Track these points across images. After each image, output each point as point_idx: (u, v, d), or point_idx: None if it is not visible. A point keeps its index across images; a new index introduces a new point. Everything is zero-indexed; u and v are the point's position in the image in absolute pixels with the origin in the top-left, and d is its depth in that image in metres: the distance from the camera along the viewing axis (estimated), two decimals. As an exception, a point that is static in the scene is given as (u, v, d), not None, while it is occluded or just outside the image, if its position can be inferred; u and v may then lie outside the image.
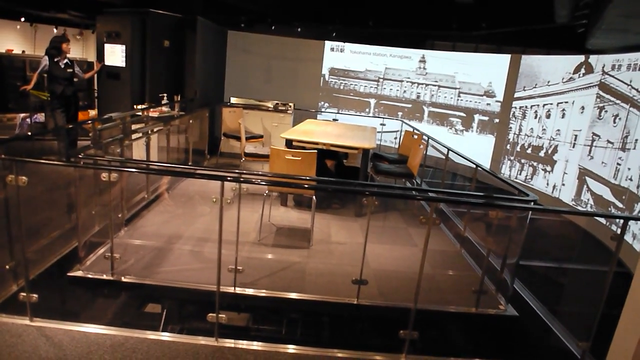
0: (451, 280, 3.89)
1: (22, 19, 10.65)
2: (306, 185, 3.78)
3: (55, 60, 6.29)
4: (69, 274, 3.32)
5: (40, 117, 8.80)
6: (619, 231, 2.77)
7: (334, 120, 8.46)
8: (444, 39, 9.21)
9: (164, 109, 6.54)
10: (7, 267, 3.11)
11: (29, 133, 8.49)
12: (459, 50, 8.79)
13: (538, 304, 3.59)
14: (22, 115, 8.88)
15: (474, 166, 4.35)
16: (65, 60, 6.39)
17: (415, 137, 5.93)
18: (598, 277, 3.93)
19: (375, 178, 5.25)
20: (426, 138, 5.61)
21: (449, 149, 5.07)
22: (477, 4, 8.19)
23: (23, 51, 10.50)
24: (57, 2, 9.25)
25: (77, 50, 11.91)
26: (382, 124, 8.43)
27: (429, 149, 5.62)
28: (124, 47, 7.07)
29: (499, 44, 8.52)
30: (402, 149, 6.30)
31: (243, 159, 5.21)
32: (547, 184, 7.04)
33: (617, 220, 5.04)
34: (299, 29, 9.38)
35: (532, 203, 3.16)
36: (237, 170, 3.57)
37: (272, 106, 8.03)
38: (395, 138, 8.79)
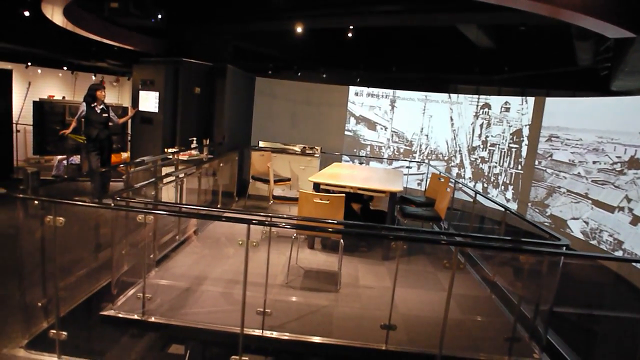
0: (482, 327, 3.80)
1: (65, 68, 11.32)
2: (331, 229, 3.81)
3: (92, 106, 6.63)
4: (101, 312, 3.39)
5: (77, 159, 9.17)
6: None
7: (360, 163, 8.57)
8: (467, 82, 9.36)
9: (193, 152, 6.76)
10: (40, 304, 3.21)
11: (65, 175, 8.84)
12: (482, 93, 8.89)
13: (572, 353, 3.47)
14: (59, 157, 9.28)
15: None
16: (102, 106, 6.72)
17: (442, 180, 5.95)
18: (633, 324, 3.80)
19: (402, 221, 5.25)
20: (453, 181, 5.62)
21: (476, 192, 5.06)
22: (499, 48, 8.36)
23: (63, 97, 11.09)
24: (97, 52, 9.83)
25: (113, 96, 12.52)
26: (409, 167, 8.48)
27: (459, 192, 5.62)
28: (157, 93, 7.41)
29: (522, 86, 8.60)
30: (429, 191, 6.31)
31: (271, 201, 5.31)
32: (578, 227, 6.89)
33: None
34: (324, 75, 9.68)
35: (565, 248, 3.12)
36: (264, 214, 3.65)
37: (299, 150, 8.20)
38: (421, 181, 8.83)
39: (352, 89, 9.57)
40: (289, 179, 7.03)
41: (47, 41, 8.92)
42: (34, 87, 10.52)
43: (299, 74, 9.67)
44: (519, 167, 8.20)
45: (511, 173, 8.35)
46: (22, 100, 9.92)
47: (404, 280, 4.46)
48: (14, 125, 8.81)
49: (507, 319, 3.79)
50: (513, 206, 8.18)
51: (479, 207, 5.45)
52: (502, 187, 8.50)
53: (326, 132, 9.41)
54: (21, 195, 3.17)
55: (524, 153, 8.13)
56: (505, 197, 8.41)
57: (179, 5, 7.41)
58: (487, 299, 4.29)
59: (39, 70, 10.88)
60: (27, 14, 7.39)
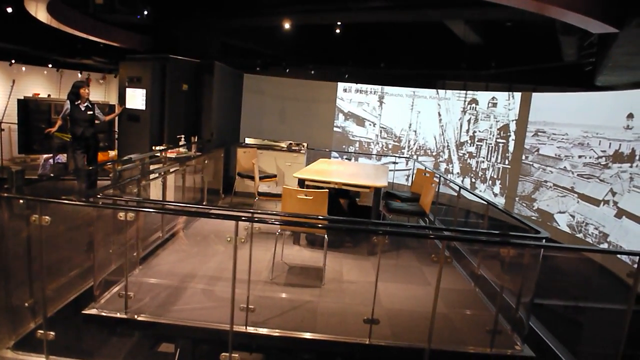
0: (465, 320, 3.83)
1: (50, 65, 11.21)
2: (319, 225, 3.82)
3: (76, 103, 6.55)
4: (83, 311, 3.37)
5: (63, 158, 9.10)
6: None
7: (347, 159, 8.59)
8: (455, 78, 9.40)
9: (181, 149, 6.73)
10: (27, 304, 3.19)
11: (51, 173, 8.77)
12: (470, 89, 8.94)
13: (556, 343, 3.51)
14: (45, 156, 9.20)
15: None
16: (86, 104, 6.63)
17: (427, 175, 5.97)
18: (618, 314, 3.85)
19: (387, 216, 5.27)
20: (438, 176, 5.65)
21: (460, 187, 5.09)
22: (486, 44, 8.40)
23: (49, 95, 10.97)
24: (83, 49, 9.74)
25: (100, 93, 12.42)
26: (395, 162, 8.51)
27: (445, 187, 5.64)
28: (144, 91, 7.36)
29: (509, 82, 8.65)
30: (415, 187, 6.34)
31: (257, 198, 5.30)
32: (563, 221, 6.95)
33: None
34: (312, 71, 9.67)
35: (544, 240, 3.15)
36: (250, 210, 3.64)
37: (285, 146, 8.19)
38: (408, 176, 8.86)
39: (341, 85, 9.58)
40: (275, 176, 7.03)
41: (31, 38, 8.83)
42: (19, 85, 10.40)
43: (287, 71, 9.66)
44: (506, 162, 8.26)
45: (499, 168, 8.41)
46: (6, 99, 9.80)
47: (388, 275, 4.48)
48: (-1, 123, 8.71)
49: (491, 312, 3.82)
50: (500, 201, 8.23)
51: (464, 202, 5.49)
52: (490, 181, 8.56)
53: (315, 129, 9.41)
54: (5, 195, 3.13)
55: (511, 148, 8.19)
56: (493, 192, 8.47)
57: (166, 1, 7.36)
58: (471, 292, 4.32)
59: (24, 68, 10.76)
60: (9, 10, 7.31)
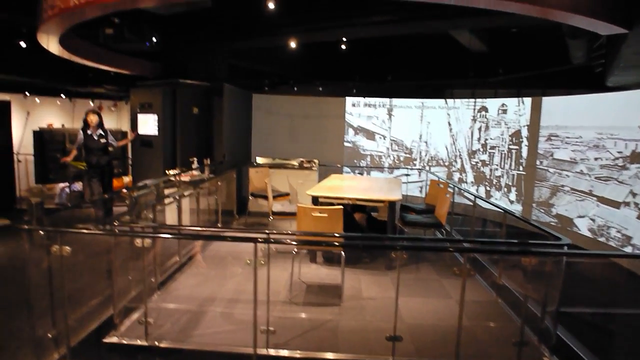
0: (490, 332, 3.75)
1: (63, 96, 11.44)
2: (336, 243, 3.79)
3: (89, 133, 6.64)
4: (104, 340, 3.37)
5: (79, 186, 9.21)
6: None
7: (359, 174, 8.57)
8: (463, 87, 9.38)
9: (195, 172, 6.77)
10: (50, 335, 3.19)
11: (67, 202, 8.88)
12: (478, 97, 8.90)
13: (587, 352, 3.41)
14: (61, 185, 9.33)
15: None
16: (99, 132, 6.73)
17: (441, 185, 5.93)
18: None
19: (403, 230, 5.22)
20: (452, 186, 5.60)
21: (475, 196, 5.04)
22: (492, 51, 8.40)
23: (62, 125, 11.18)
24: (94, 78, 9.94)
25: (112, 121, 12.61)
26: (407, 174, 8.47)
27: (459, 197, 5.59)
28: (155, 116, 7.46)
29: (518, 87, 8.61)
30: (429, 198, 6.28)
31: (271, 217, 5.30)
32: None
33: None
34: (320, 88, 9.73)
35: (566, 247, 3.09)
36: (266, 231, 3.63)
37: (297, 164, 8.21)
38: (422, 188, 8.80)
39: (349, 100, 9.60)
40: (287, 194, 7.02)
41: (44, 70, 9.04)
42: (33, 117, 10.62)
43: (295, 89, 9.74)
44: (521, 168, 8.17)
45: (513, 175, 8.32)
46: (21, 130, 10.01)
47: (408, 289, 4.42)
48: (15, 155, 8.87)
49: (516, 323, 3.73)
50: (517, 208, 8.12)
51: (480, 211, 5.42)
52: (505, 189, 8.46)
53: (325, 145, 9.42)
54: (26, 227, 3.17)
55: (524, 154, 8.10)
56: (509, 199, 8.36)
57: (173, 27, 7.49)
58: (494, 303, 4.24)
59: (37, 100, 10.99)
60: (23, 44, 7.51)
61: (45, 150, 9.46)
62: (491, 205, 4.69)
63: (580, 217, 6.98)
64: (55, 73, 9.33)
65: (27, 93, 10.64)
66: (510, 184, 8.38)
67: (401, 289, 3.20)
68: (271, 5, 5.97)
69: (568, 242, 3.10)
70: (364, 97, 9.50)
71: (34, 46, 6.94)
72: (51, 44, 6.25)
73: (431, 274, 4.92)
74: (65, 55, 6.86)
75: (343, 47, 8.18)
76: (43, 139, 9.50)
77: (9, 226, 7.08)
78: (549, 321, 3.35)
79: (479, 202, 5.07)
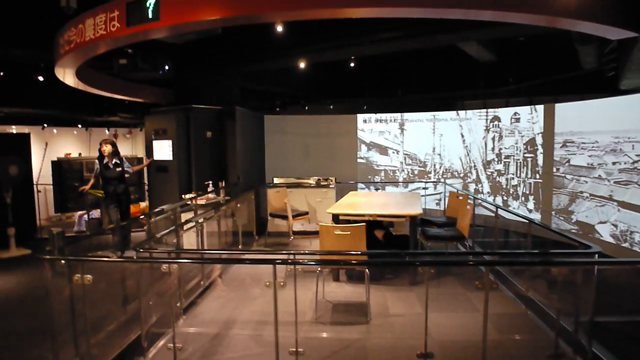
0: (522, 346, 3.68)
1: (79, 125, 11.66)
2: (361, 261, 3.77)
3: (105, 162, 6.74)
4: (134, 368, 3.36)
5: (97, 213, 9.31)
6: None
7: (376, 189, 8.55)
8: (473, 97, 9.38)
9: (210, 195, 6.81)
10: (74, 363, 3.20)
11: (85, 229, 8.97)
12: (490, 107, 8.88)
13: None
14: (79, 213, 9.43)
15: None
16: (114, 161, 6.82)
17: (461, 197, 5.89)
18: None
19: (425, 244, 5.17)
20: (472, 198, 5.56)
21: (497, 207, 4.99)
22: (501, 61, 8.41)
23: (80, 154, 11.36)
24: (109, 107, 10.13)
25: (127, 147, 12.81)
26: (424, 187, 8.44)
27: (479, 207, 5.53)
28: (170, 142, 7.55)
29: (529, 95, 8.58)
30: (449, 211, 6.24)
31: (292, 237, 5.29)
32: None
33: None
34: (331, 106, 9.78)
35: (597, 255, 3.03)
36: (287, 251, 3.63)
37: (314, 182, 8.22)
38: (439, 200, 8.75)
39: (360, 117, 9.64)
40: (306, 213, 7.03)
41: (61, 102, 9.25)
42: (51, 147, 10.82)
43: (306, 108, 9.81)
44: (537, 176, 8.09)
45: (530, 183, 8.24)
46: (40, 161, 10.19)
47: (434, 304, 4.36)
48: (35, 185, 9.01)
49: (547, 335, 3.66)
50: (536, 216, 8.02)
51: (502, 221, 5.35)
52: (523, 198, 8.37)
53: (339, 162, 9.44)
54: (48, 257, 3.22)
55: (540, 162, 8.03)
56: (527, 208, 8.27)
57: (185, 54, 7.63)
58: (523, 315, 4.16)
59: (55, 130, 11.21)
60: (41, 78, 7.70)
61: (63, 180, 9.60)
62: (513, 215, 4.63)
63: (601, 223, 6.87)
64: (72, 104, 9.53)
65: (45, 125, 10.87)
66: (527, 192, 8.29)
67: (428, 304, 3.16)
68: (279, 28, 6.06)
69: (598, 250, 3.04)
70: (375, 112, 9.54)
71: (51, 79, 7.12)
72: (67, 76, 6.40)
73: (457, 288, 4.85)
74: (81, 86, 7.00)
75: (352, 64, 8.25)
76: (61, 168, 9.65)
77: (31, 256, 7.17)
78: (582, 332, 3.28)
79: (501, 212, 5.02)
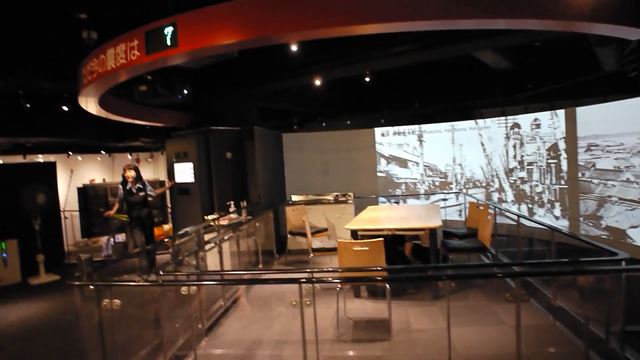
0: (551, 358, 3.55)
1: (102, 152, 11.98)
2: (381, 277, 3.73)
3: (128, 188, 6.89)
4: (158, 392, 3.38)
5: (122, 237, 9.49)
6: None
7: (395, 203, 8.49)
8: (491, 105, 9.28)
9: (232, 215, 6.87)
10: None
11: (111, 253, 9.13)
12: (509, 114, 8.77)
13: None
14: (105, 237, 9.63)
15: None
16: (137, 185, 6.96)
17: (481, 207, 5.79)
18: None
19: (448, 256, 5.09)
20: (492, 207, 5.46)
21: (519, 215, 4.88)
22: (518, 67, 8.31)
23: (104, 179, 11.65)
24: (131, 133, 10.40)
25: (149, 171, 13.07)
26: (444, 199, 8.33)
27: (501, 217, 5.43)
28: (191, 164, 7.68)
29: (548, 100, 8.44)
30: (470, 221, 6.13)
31: (311, 254, 5.28)
32: None
33: None
34: (348, 121, 9.81)
35: (624, 262, 2.93)
36: (308, 269, 3.61)
37: (332, 198, 8.22)
38: (460, 211, 8.62)
39: (378, 130, 9.64)
40: (325, 230, 7.01)
41: (84, 130, 9.54)
42: (76, 174, 11.14)
43: (324, 124, 9.86)
44: (562, 182, 7.90)
45: (555, 189, 8.05)
46: (66, 188, 10.49)
47: (458, 318, 4.27)
48: (62, 212, 9.26)
49: (577, 346, 3.53)
50: (563, 223, 7.81)
51: (525, 230, 5.23)
52: (548, 205, 8.18)
53: (359, 177, 9.43)
54: (77, 283, 3.29)
55: (564, 167, 7.85)
56: (554, 215, 8.07)
57: (202, 78, 7.80)
58: (551, 326, 4.03)
59: (79, 157, 11.55)
60: (65, 108, 7.97)
61: (89, 205, 9.85)
62: (535, 224, 4.53)
63: (633, 227, 6.65)
64: (95, 131, 9.82)
65: (70, 152, 11.21)
66: (553, 199, 8.10)
67: (451, 318, 3.10)
68: (293, 48, 6.15)
69: (625, 256, 2.94)
70: (393, 125, 9.53)
71: (74, 108, 7.37)
72: (90, 105, 6.61)
73: (481, 300, 4.74)
74: (103, 114, 7.21)
75: (367, 79, 8.28)
76: (87, 194, 9.91)
77: (60, 281, 7.34)
78: (614, 342, 3.15)
79: (524, 221, 4.91)
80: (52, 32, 6.27)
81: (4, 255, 7.28)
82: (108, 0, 5.81)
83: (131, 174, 6.86)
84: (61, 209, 9.25)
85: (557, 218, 8.02)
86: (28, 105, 7.50)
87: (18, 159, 10.28)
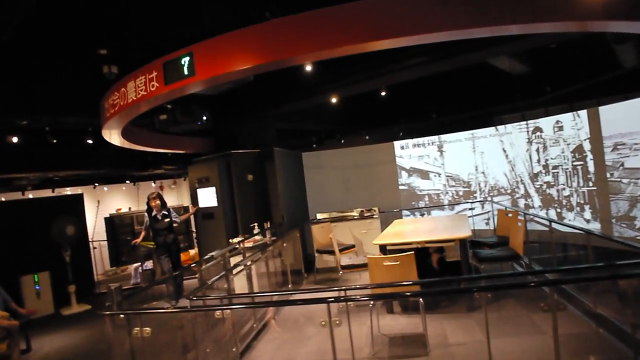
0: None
1: (127, 181, 12.21)
2: (415, 292, 3.67)
3: (154, 215, 6.99)
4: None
5: (149, 264, 9.59)
6: None
7: (421, 215, 8.41)
8: (511, 111, 9.17)
9: (257, 237, 6.88)
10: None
11: (140, 280, 9.23)
12: (530, 118, 8.65)
13: None
14: (134, 265, 9.75)
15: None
16: (162, 212, 7.06)
17: (510, 214, 5.68)
18: None
19: (479, 267, 4.98)
20: (522, 213, 5.35)
21: (550, 221, 4.77)
22: (536, 71, 8.23)
23: (129, 208, 11.85)
24: (153, 161, 10.59)
25: (172, 197, 13.25)
26: (471, 208, 8.22)
27: (531, 223, 5.31)
28: (214, 188, 7.75)
29: (569, 102, 8.30)
30: (500, 229, 6.01)
31: (341, 272, 5.24)
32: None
33: None
34: (367, 137, 9.82)
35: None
36: (337, 287, 3.58)
37: (357, 214, 8.17)
38: (488, 220, 8.48)
39: (397, 144, 9.61)
40: (353, 246, 6.96)
41: (109, 161, 9.75)
42: (103, 204, 11.36)
43: (342, 141, 9.89)
44: (590, 184, 7.72)
45: (583, 192, 7.86)
46: (94, 218, 10.68)
47: (496, 329, 4.16)
48: (91, 242, 9.43)
49: (625, 354, 3.39)
50: (595, 226, 7.60)
51: (558, 235, 5.10)
52: (578, 208, 7.98)
53: (380, 191, 9.38)
54: (108, 312, 3.33)
55: (591, 168, 7.68)
56: (584, 218, 7.86)
57: (220, 104, 7.93)
58: (595, 334, 3.89)
59: (105, 188, 11.78)
60: (90, 141, 8.18)
61: (116, 235, 10.01)
62: (568, 228, 4.41)
63: (669, 226, 6.43)
64: (119, 162, 10.03)
65: (96, 184, 11.45)
66: (582, 202, 7.91)
67: (489, 329, 3.02)
68: (308, 68, 6.21)
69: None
70: (412, 138, 9.49)
71: (98, 141, 7.55)
72: (114, 137, 6.76)
73: (518, 310, 4.62)
74: (126, 145, 7.36)
75: (383, 93, 8.29)
76: (114, 224, 10.09)
77: (91, 311, 7.44)
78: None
79: (556, 226, 4.79)
80: (75, 69, 6.48)
81: (37, 287, 7.43)
82: (126, 35, 6.00)
83: (157, 203, 6.98)
84: (90, 240, 9.42)
85: (587, 221, 7.81)
86: (54, 141, 7.71)
87: (47, 192, 10.53)
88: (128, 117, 5.77)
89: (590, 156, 7.69)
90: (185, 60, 4.49)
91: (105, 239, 10.27)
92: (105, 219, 10.30)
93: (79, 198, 9.16)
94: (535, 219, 5.27)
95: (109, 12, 5.45)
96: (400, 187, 9.63)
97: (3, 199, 10.39)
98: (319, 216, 8.55)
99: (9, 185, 10.00)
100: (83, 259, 8.68)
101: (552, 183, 8.36)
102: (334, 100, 7.81)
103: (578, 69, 7.89)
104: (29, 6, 4.10)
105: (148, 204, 7.06)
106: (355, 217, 8.10)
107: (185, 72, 4.52)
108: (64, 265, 7.59)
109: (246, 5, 5.75)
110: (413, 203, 9.57)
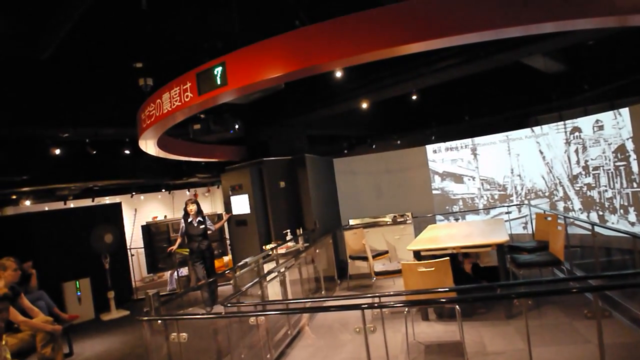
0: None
1: (163, 190, 12.51)
2: (445, 299, 3.59)
3: (189, 221, 7.16)
4: None
5: (185, 271, 9.77)
6: None
7: (456, 220, 8.25)
8: (548, 111, 8.90)
9: (290, 244, 6.91)
10: None
11: (176, 287, 9.41)
12: (567, 118, 8.37)
13: None
14: (170, 272, 9.96)
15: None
16: (198, 218, 7.21)
17: (549, 218, 5.49)
18: None
19: (517, 273, 4.84)
20: (562, 217, 5.17)
21: (593, 224, 4.58)
22: (572, 69, 7.96)
23: (165, 216, 12.12)
24: (187, 170, 10.82)
25: (206, 205, 13.48)
26: (508, 212, 8.01)
27: (571, 227, 5.11)
28: (247, 195, 7.85)
29: (609, 100, 7.98)
30: (538, 234, 5.82)
31: (374, 278, 5.19)
32: None
33: None
34: (398, 141, 9.73)
35: None
36: (371, 294, 3.55)
37: (390, 220, 8.10)
38: (526, 224, 8.24)
39: (430, 147, 9.49)
40: (386, 252, 6.89)
41: (145, 170, 10.02)
42: (140, 212, 11.67)
43: (374, 146, 9.83)
44: (635, 185, 7.39)
45: (627, 193, 7.53)
46: (131, 226, 10.98)
47: (537, 337, 4.02)
48: (129, 250, 9.69)
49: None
50: (640, 229, 7.27)
51: (601, 239, 4.89)
52: (621, 210, 7.65)
53: (413, 196, 9.27)
54: (146, 318, 3.41)
55: (635, 169, 7.35)
56: (629, 221, 7.53)
57: (252, 112, 8.03)
58: (644, 343, 3.71)
59: (142, 197, 12.10)
60: (127, 152, 8.44)
61: (153, 242, 10.24)
62: (613, 231, 4.22)
63: None
64: (155, 171, 10.30)
65: (133, 193, 11.78)
66: (626, 204, 7.58)
67: (530, 338, 2.92)
68: (338, 74, 6.21)
69: None
70: (444, 141, 9.34)
71: (135, 151, 7.78)
72: (150, 147, 6.94)
73: (559, 317, 4.45)
74: (162, 154, 7.55)
75: (414, 97, 8.21)
76: (150, 232, 10.32)
77: (130, 316, 7.64)
78: None
79: (599, 229, 4.60)
80: (113, 83, 6.71)
81: (79, 293, 7.69)
82: (161, 48, 6.17)
83: (194, 207, 7.16)
84: (128, 247, 9.69)
85: (632, 224, 7.47)
86: (94, 152, 8.00)
87: (87, 202, 10.91)
88: (163, 128, 5.91)
89: (633, 156, 7.37)
90: (218, 70, 4.57)
91: (142, 246, 10.53)
92: (142, 226, 10.55)
93: (117, 207, 9.44)
94: (576, 222, 5.07)
95: (147, 27, 5.61)
96: (434, 192, 9.49)
97: (47, 209, 10.82)
98: (352, 222, 8.52)
99: (52, 195, 10.42)
100: (121, 266, 8.93)
101: (593, 185, 8.05)
102: (364, 105, 7.78)
103: (618, 65, 7.59)
104: (70, 26, 4.27)
105: (185, 209, 7.23)
106: (388, 223, 8.02)
107: (218, 82, 4.59)
108: (103, 272, 7.84)
109: (276, 15, 5.81)
110: (447, 208, 9.41)
